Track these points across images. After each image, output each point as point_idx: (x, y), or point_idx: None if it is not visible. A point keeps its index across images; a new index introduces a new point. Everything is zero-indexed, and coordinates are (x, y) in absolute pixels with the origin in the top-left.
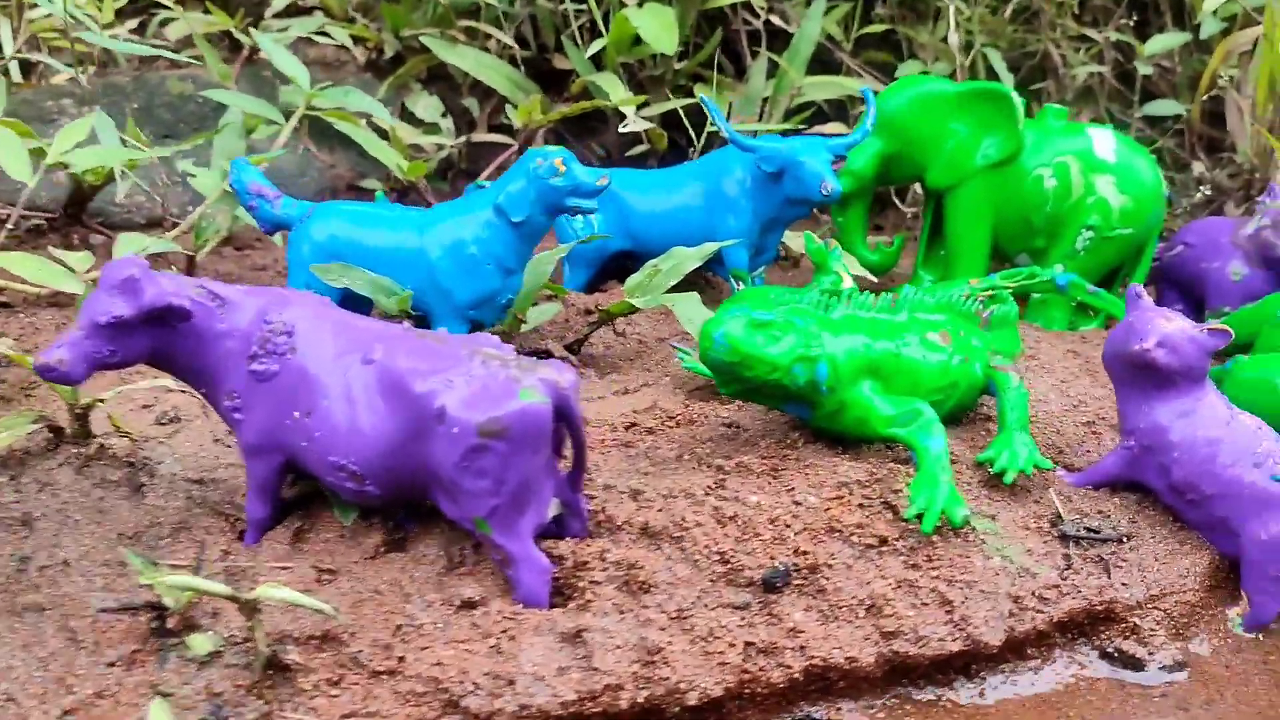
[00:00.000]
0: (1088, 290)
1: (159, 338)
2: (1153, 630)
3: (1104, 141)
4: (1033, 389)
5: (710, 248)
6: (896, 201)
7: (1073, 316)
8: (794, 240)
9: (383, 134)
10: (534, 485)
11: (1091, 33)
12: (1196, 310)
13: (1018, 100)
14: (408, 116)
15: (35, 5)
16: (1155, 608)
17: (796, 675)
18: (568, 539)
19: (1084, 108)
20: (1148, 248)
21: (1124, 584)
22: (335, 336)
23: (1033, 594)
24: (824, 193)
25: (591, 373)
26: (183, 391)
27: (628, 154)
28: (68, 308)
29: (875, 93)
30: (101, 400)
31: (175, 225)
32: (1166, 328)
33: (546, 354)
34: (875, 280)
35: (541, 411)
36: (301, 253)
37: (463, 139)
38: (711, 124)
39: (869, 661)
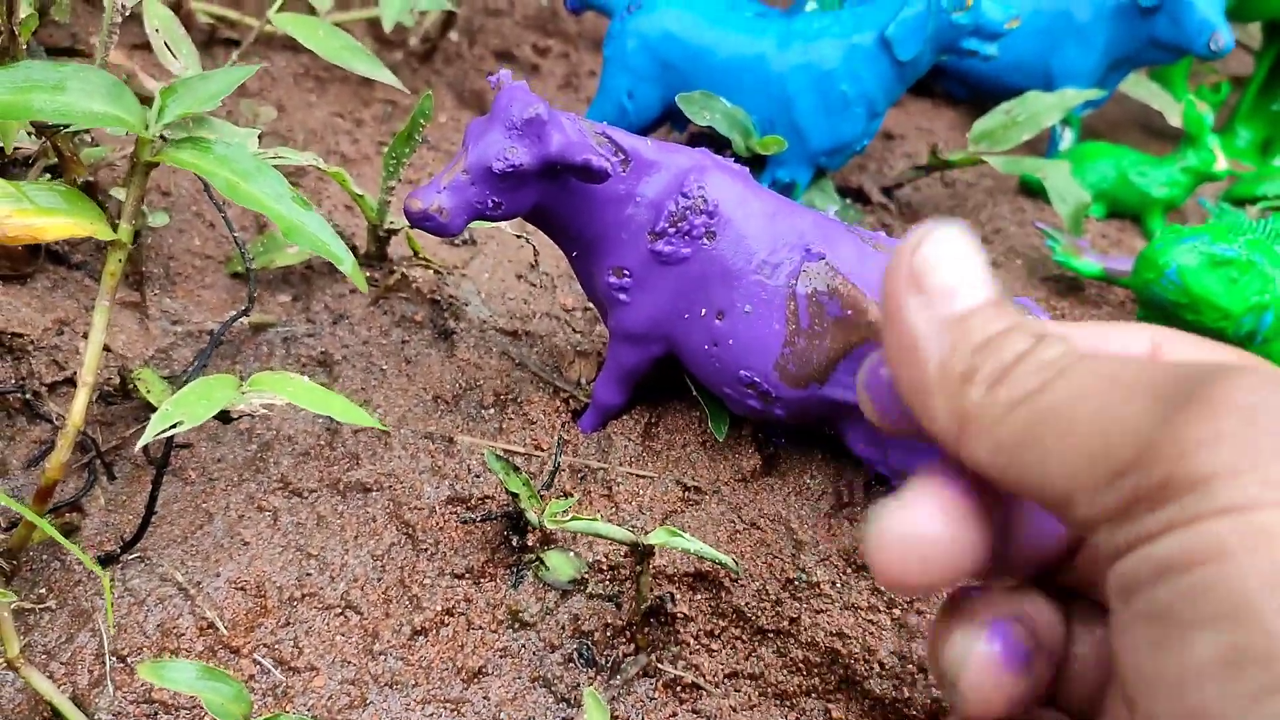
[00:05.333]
0: None
1: (546, 193)
2: None
3: None
4: None
5: (1074, 97)
6: None
7: None
8: None
9: None
10: None
11: None
12: None
13: None
14: None
15: None
16: None
17: None
18: None
19: None
20: None
21: None
22: (768, 224)
23: None
24: (1212, 48)
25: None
26: None
27: None
28: (303, 51)
29: None
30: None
31: None
32: None
33: (862, 196)
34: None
35: None
36: (625, 49)
37: None
38: None
39: None
